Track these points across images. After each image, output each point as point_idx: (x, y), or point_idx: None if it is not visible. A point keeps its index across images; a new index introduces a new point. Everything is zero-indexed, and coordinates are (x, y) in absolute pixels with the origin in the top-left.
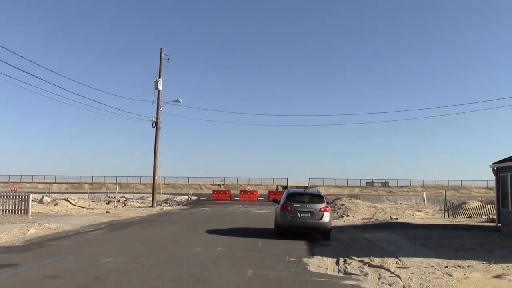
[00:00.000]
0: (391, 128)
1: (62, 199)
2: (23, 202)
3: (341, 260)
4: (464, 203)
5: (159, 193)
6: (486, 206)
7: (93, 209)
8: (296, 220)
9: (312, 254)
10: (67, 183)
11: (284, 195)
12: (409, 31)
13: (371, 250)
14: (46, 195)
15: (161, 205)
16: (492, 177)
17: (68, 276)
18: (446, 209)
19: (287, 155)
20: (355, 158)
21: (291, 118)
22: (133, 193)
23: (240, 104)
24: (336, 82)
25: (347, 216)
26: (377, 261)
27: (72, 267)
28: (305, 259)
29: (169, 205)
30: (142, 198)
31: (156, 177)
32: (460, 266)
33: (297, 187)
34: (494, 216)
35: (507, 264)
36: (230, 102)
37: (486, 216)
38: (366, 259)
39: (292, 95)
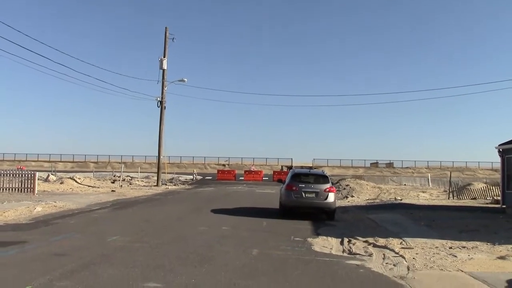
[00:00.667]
0: (396, 109)
1: (68, 178)
2: (29, 181)
3: (346, 240)
4: (469, 184)
5: (164, 173)
6: (491, 188)
7: (98, 187)
8: (301, 200)
9: (317, 234)
10: (73, 161)
11: (289, 175)
12: (413, 12)
13: (376, 230)
14: (51, 174)
15: (166, 185)
16: (497, 159)
17: (75, 253)
18: (450, 191)
19: (292, 135)
20: (359, 139)
21: (297, 98)
22: (138, 172)
23: (245, 84)
24: (344, 62)
25: (352, 196)
26: (381, 241)
27: (78, 245)
28: (309, 239)
29: (174, 185)
30: (147, 177)
31: (161, 157)
32: (464, 247)
33: (301, 167)
34: (499, 198)
35: (511, 246)
36: (235, 82)
37: (491, 198)
38: (370, 240)
39: (299, 74)
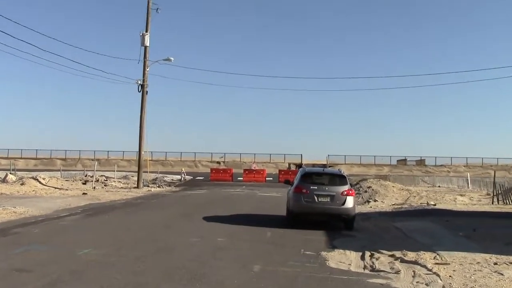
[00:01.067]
0: (429, 94)
1: (30, 178)
2: None
3: (368, 254)
4: None
5: (146, 172)
6: None
7: (67, 189)
8: (312, 205)
9: (332, 246)
10: (36, 158)
11: (298, 175)
12: None
13: (404, 242)
14: (10, 173)
15: (148, 186)
16: None
17: (40, 269)
18: (495, 194)
19: (302, 126)
20: (384, 131)
21: (307, 82)
22: (114, 171)
23: (244, 65)
24: (363, 39)
25: (375, 201)
26: (411, 255)
27: (44, 258)
28: (323, 253)
29: (158, 186)
30: (125, 177)
31: (143, 152)
32: None
33: (313, 165)
34: None
35: None
36: (233, 62)
37: None
38: (397, 253)
39: (307, 54)
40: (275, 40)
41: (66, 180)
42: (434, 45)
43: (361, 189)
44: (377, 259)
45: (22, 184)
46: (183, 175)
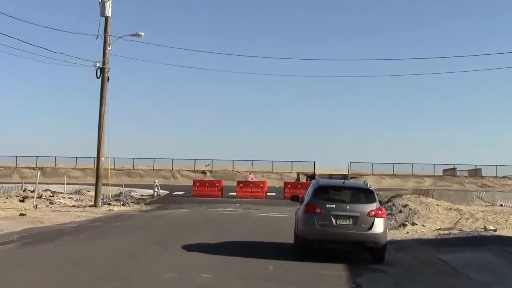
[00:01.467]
0: (485, 81)
1: None
2: None
3: None
4: None
5: (107, 185)
6: None
7: None
8: (329, 230)
9: (356, 285)
10: None
11: (310, 190)
12: None
13: (453, 280)
14: None
15: (109, 204)
16: None
17: None
18: None
19: (315, 125)
20: (425, 131)
21: (319, 64)
22: (64, 184)
23: (237, 43)
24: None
25: (413, 224)
26: None
27: None
28: None
29: (123, 204)
30: (79, 192)
31: (102, 159)
32: None
33: (330, 176)
34: None
35: None
36: (222, 39)
37: None
38: None
39: (317, 29)
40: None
41: None
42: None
43: (394, 208)
44: None
45: None
46: (156, 189)
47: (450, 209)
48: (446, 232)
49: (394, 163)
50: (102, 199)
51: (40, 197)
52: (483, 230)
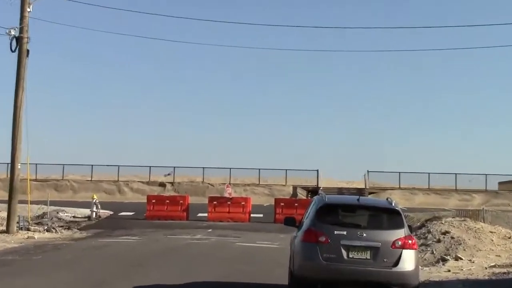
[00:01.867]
0: None
1: None
2: None
3: None
4: None
5: (26, 202)
6: None
7: None
8: (338, 266)
9: None
10: None
11: (311, 209)
12: None
13: None
14: None
15: (28, 229)
16: None
17: None
18: None
19: (318, 123)
20: (474, 129)
21: (327, 39)
22: None
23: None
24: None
25: (456, 259)
26: None
27: None
28: None
29: (48, 229)
30: None
31: (18, 166)
32: None
33: (339, 191)
34: None
35: None
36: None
37: None
38: None
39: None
40: None
41: None
42: None
43: (429, 236)
44: None
45: None
46: (95, 209)
47: (510, 237)
48: (504, 270)
49: (429, 173)
50: (18, 222)
51: None
52: None
